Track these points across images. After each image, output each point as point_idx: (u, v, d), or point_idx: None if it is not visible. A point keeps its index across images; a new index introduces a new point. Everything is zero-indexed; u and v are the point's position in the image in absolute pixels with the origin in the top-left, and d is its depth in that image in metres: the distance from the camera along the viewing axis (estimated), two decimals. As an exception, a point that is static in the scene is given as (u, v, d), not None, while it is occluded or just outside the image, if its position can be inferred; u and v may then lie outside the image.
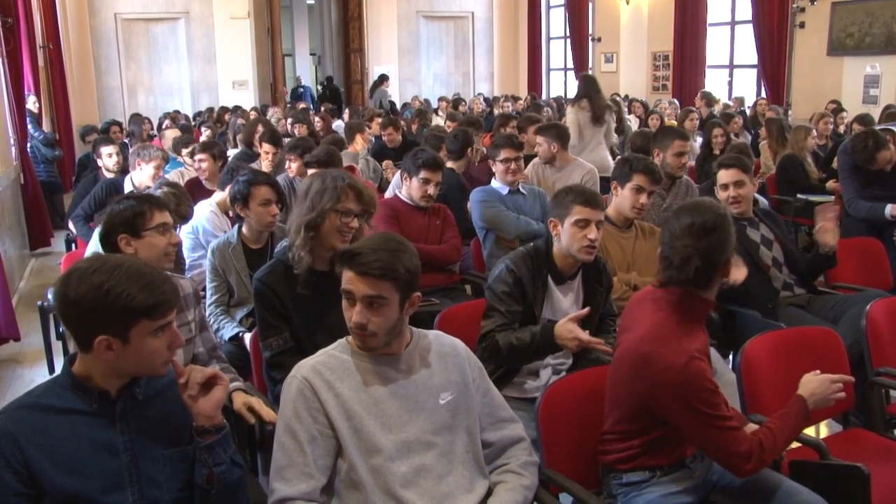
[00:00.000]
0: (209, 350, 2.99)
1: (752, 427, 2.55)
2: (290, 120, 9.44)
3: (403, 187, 4.43)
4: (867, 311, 3.27)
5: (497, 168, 4.71)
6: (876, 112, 9.05)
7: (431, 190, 4.28)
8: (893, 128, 4.96)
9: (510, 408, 2.36)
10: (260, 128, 7.20)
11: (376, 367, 2.14)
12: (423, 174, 4.26)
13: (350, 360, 2.14)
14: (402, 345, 2.19)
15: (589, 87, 7.32)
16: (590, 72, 15.68)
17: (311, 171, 4.63)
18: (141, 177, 5.36)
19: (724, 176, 3.93)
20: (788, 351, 2.97)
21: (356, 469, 2.03)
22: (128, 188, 5.32)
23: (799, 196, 6.82)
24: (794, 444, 2.67)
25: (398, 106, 14.74)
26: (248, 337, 3.39)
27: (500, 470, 2.23)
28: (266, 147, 6.13)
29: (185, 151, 6.43)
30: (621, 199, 3.79)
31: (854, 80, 10.98)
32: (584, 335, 2.72)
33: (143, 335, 1.80)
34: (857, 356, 3.20)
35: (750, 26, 12.48)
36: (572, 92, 15.76)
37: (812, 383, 2.39)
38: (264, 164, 6.03)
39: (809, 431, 3.15)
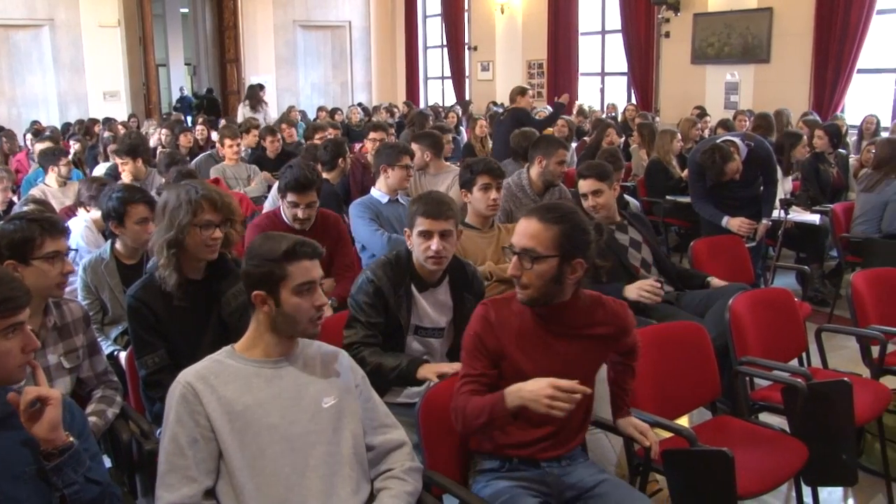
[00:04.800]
0: (98, 375, 2.87)
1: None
2: (163, 131, 9.23)
3: (280, 204, 4.21)
4: (730, 305, 3.45)
5: (396, 174, 4.62)
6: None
7: (301, 213, 3.96)
8: (733, 138, 5.25)
9: (392, 414, 2.39)
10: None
11: (261, 371, 2.15)
12: (289, 197, 3.96)
13: (234, 364, 2.15)
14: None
15: (251, 92, 13.72)
16: (466, 80, 16.07)
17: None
18: None
19: (582, 186, 4.06)
20: (659, 345, 3.10)
21: (236, 474, 2.03)
22: None
23: (668, 197, 7.14)
24: (667, 434, 2.80)
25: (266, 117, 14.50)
26: (123, 356, 3.29)
27: (384, 476, 2.25)
28: (124, 158, 5.97)
29: (62, 162, 6.14)
30: (474, 202, 3.91)
31: (716, 86, 11.56)
32: (449, 369, 2.72)
33: None
34: (722, 347, 3.37)
35: (619, 35, 12.96)
36: (450, 100, 16.10)
37: (530, 383, 2.22)
38: (123, 175, 5.89)
39: (683, 421, 3.30)
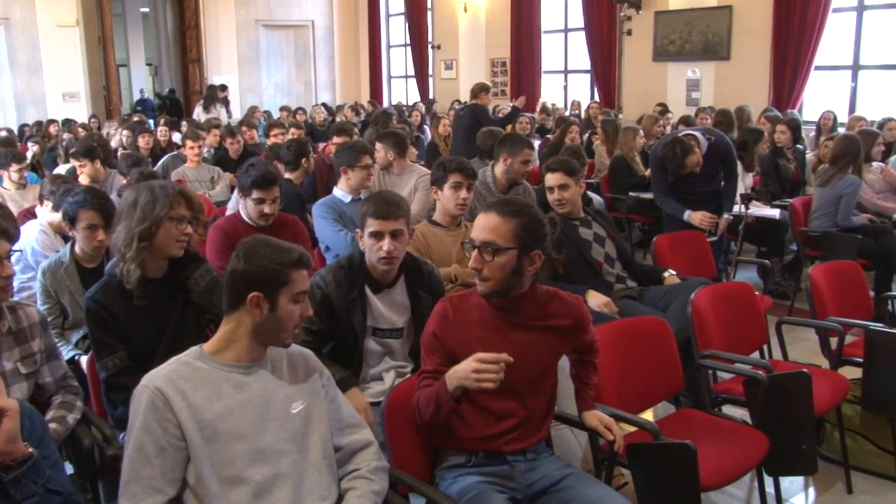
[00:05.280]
0: (58, 380, 2.81)
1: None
2: (124, 132, 9.13)
3: (240, 206, 4.23)
4: (692, 300, 3.49)
5: (357, 175, 4.63)
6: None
7: (267, 209, 4.01)
8: (694, 132, 5.32)
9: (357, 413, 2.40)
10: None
11: (231, 376, 2.12)
12: (255, 194, 3.98)
13: (204, 367, 2.11)
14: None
15: (208, 92, 14.06)
16: (430, 78, 16.17)
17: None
18: None
19: (549, 179, 4.11)
20: (623, 340, 3.13)
21: (205, 482, 2.01)
22: None
23: (631, 194, 7.21)
24: (631, 429, 2.83)
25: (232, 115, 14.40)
26: (84, 360, 3.25)
27: (351, 476, 2.25)
28: (81, 161, 5.89)
29: (13, 168, 6.04)
30: (444, 200, 3.92)
31: (677, 83, 11.69)
32: (368, 415, 2.73)
33: None
34: (684, 341, 3.41)
35: (582, 33, 13.04)
36: (413, 98, 16.12)
37: (461, 364, 2.30)
38: (81, 178, 5.81)
39: (647, 415, 3.34)
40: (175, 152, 7.87)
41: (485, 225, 2.44)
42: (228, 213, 5.02)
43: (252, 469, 2.05)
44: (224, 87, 14.66)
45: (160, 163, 7.53)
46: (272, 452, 2.09)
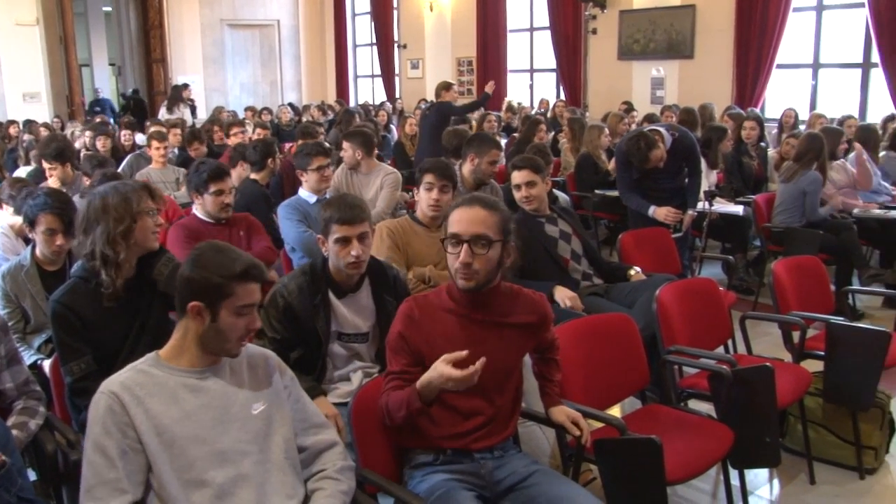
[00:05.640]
0: (19, 385, 2.77)
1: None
2: (87, 134, 9.00)
3: (197, 205, 4.25)
4: (657, 296, 3.51)
5: (311, 177, 4.63)
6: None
7: (227, 199, 4.14)
8: (659, 128, 5.37)
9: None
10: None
11: (187, 381, 2.11)
12: (213, 187, 4.11)
13: (160, 374, 2.10)
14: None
15: (173, 93, 13.89)
16: (396, 78, 16.11)
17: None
18: None
19: (516, 177, 4.13)
20: (589, 337, 3.15)
21: (166, 487, 1.99)
22: None
23: (597, 192, 7.26)
24: (598, 425, 2.85)
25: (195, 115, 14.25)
26: (47, 364, 3.20)
27: (317, 477, 2.24)
28: (52, 163, 5.80)
29: None
30: (419, 200, 3.93)
31: (642, 82, 11.80)
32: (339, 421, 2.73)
33: None
34: (650, 337, 3.44)
35: (547, 32, 13.11)
36: (379, 98, 16.08)
37: (432, 374, 2.29)
38: (50, 180, 5.73)
39: (614, 411, 3.36)
40: (138, 152, 7.79)
41: (473, 218, 2.43)
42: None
43: (213, 471, 2.04)
44: (186, 86, 14.48)
45: (125, 162, 7.45)
46: (233, 454, 2.08)
